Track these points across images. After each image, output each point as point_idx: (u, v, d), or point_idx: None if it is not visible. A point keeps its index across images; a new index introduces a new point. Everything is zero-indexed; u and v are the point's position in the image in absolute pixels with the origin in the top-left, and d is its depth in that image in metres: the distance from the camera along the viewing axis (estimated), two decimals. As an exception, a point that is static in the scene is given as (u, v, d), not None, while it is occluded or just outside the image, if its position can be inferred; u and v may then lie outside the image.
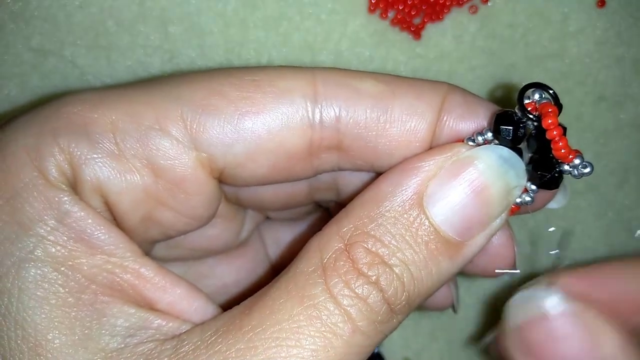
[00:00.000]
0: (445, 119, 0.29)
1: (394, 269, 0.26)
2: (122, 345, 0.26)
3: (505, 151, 0.27)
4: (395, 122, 0.29)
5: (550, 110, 0.26)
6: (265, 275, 0.39)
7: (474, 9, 0.39)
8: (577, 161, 0.27)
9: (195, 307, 0.29)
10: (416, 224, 0.27)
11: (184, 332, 0.27)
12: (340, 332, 0.25)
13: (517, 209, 0.29)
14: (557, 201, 0.32)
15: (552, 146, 0.27)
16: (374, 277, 0.26)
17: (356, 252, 0.26)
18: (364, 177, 0.33)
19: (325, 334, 0.25)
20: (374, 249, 0.26)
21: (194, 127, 0.28)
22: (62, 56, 0.38)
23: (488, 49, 0.39)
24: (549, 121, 0.26)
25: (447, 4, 0.38)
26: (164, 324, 0.27)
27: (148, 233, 0.30)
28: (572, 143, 0.43)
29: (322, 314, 0.25)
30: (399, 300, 0.26)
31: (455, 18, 0.39)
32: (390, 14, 0.38)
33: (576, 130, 0.42)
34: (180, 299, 0.28)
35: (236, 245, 0.38)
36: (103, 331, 0.26)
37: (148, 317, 0.27)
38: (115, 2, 0.37)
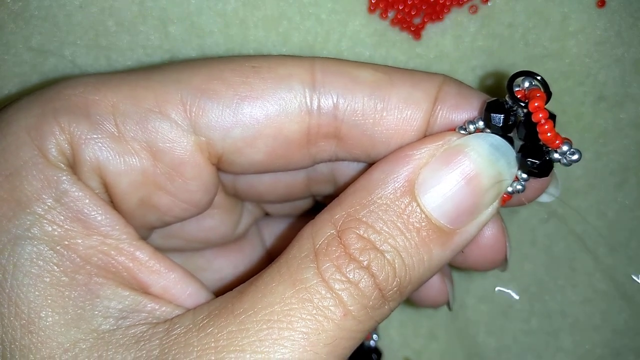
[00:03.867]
0: (439, 108, 0.29)
1: (385, 254, 0.26)
2: (114, 327, 0.26)
3: (497, 139, 0.27)
4: (392, 110, 0.29)
5: (538, 95, 0.26)
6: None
7: (474, 9, 0.39)
8: (565, 147, 0.27)
9: (189, 293, 0.29)
10: (408, 211, 0.27)
11: (177, 316, 0.27)
12: (331, 316, 0.25)
13: (509, 198, 0.29)
14: (549, 194, 0.32)
15: (538, 130, 0.26)
16: (366, 262, 0.26)
17: (348, 238, 0.27)
18: (361, 168, 0.33)
19: (316, 316, 0.25)
20: (365, 235, 0.27)
21: (193, 110, 0.28)
22: (62, 56, 0.38)
23: (488, 49, 0.39)
24: (535, 104, 0.26)
25: (447, 4, 0.38)
26: (157, 307, 0.27)
27: (145, 218, 0.31)
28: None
29: (314, 297, 0.26)
30: (390, 286, 0.27)
31: (455, 18, 0.39)
32: (390, 14, 0.38)
33: (576, 130, 0.42)
34: (174, 283, 0.29)
35: (233, 239, 0.38)
36: (96, 312, 0.26)
37: (141, 300, 0.27)
38: (115, 2, 0.37)
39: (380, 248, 0.26)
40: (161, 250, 0.35)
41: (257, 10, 0.37)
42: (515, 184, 0.28)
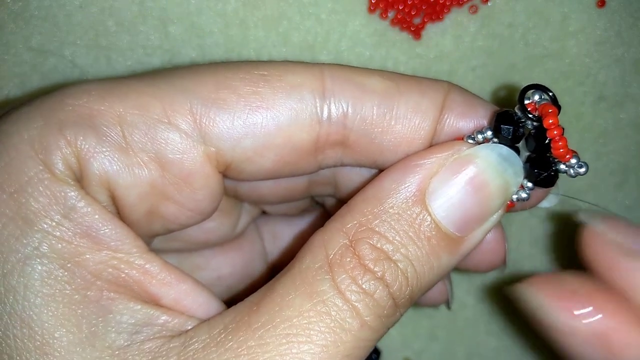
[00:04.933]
0: (446, 116, 0.29)
1: (399, 264, 0.27)
2: (129, 343, 0.26)
3: (505, 149, 0.28)
4: (400, 119, 0.29)
5: (550, 110, 0.27)
6: (260, 269, 0.40)
7: (474, 9, 0.39)
8: (573, 160, 0.28)
9: (200, 303, 0.29)
10: (419, 220, 0.27)
11: (191, 328, 0.27)
12: (349, 327, 0.26)
13: (513, 205, 0.29)
14: (549, 201, 0.33)
15: (552, 145, 0.27)
16: (380, 272, 0.26)
17: (362, 249, 0.27)
18: (363, 172, 0.33)
19: (334, 329, 0.26)
20: (379, 245, 0.27)
21: (204, 121, 0.28)
22: (62, 56, 0.38)
23: (488, 49, 0.39)
24: (550, 121, 0.27)
25: (447, 4, 0.38)
26: (170, 320, 0.27)
27: (151, 227, 0.30)
28: (571, 143, 0.43)
29: (332, 309, 0.26)
30: (403, 295, 0.27)
31: (455, 18, 0.39)
32: (390, 14, 0.38)
33: (576, 130, 0.42)
34: (186, 294, 0.28)
35: (232, 238, 0.38)
36: (109, 328, 0.26)
37: (154, 313, 0.27)
38: (115, 2, 0.37)
39: (394, 258, 0.27)
40: (159, 252, 0.35)
41: (257, 11, 0.37)
42: (520, 192, 0.29)
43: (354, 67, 0.30)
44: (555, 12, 0.39)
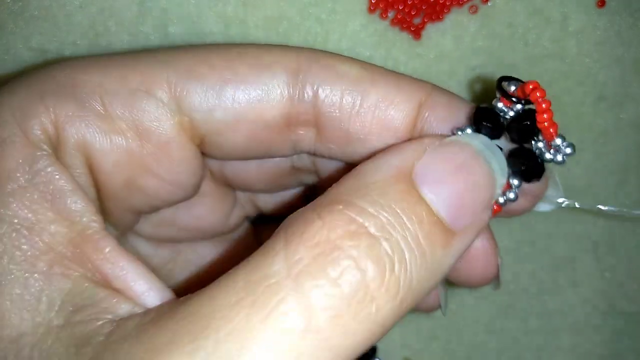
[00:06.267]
0: (427, 115, 0.29)
1: (382, 242, 0.22)
2: (65, 323, 0.25)
3: (486, 140, 0.27)
4: (369, 108, 0.29)
5: (532, 86, 0.26)
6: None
7: (474, 9, 0.39)
8: (558, 140, 0.26)
9: (150, 290, 0.27)
10: (408, 197, 0.24)
11: (123, 318, 0.25)
12: (293, 327, 0.21)
13: (500, 210, 0.28)
14: (549, 202, 0.31)
15: (537, 118, 0.26)
16: (356, 253, 0.22)
17: (332, 222, 0.22)
18: (341, 165, 0.33)
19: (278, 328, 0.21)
20: (359, 219, 0.23)
21: (178, 90, 0.29)
22: (62, 56, 0.38)
23: (488, 49, 0.39)
24: (537, 94, 0.26)
25: (447, 4, 0.38)
26: (114, 303, 0.25)
27: (131, 200, 0.30)
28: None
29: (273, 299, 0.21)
30: (396, 283, 0.22)
31: (455, 18, 0.39)
32: (390, 14, 0.38)
33: (576, 130, 0.42)
34: (136, 280, 0.27)
35: (225, 231, 0.38)
36: (51, 305, 0.25)
37: (99, 294, 0.25)
38: (115, 2, 0.37)
39: (376, 234, 0.22)
40: (152, 239, 0.35)
41: (258, 11, 0.37)
42: (507, 193, 0.27)
43: (335, 54, 0.31)
44: (555, 12, 0.39)
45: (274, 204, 0.39)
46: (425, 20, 0.38)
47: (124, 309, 0.25)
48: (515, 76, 0.29)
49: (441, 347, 0.47)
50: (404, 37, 0.39)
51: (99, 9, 0.37)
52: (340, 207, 0.23)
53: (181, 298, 0.24)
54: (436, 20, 0.38)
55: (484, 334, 0.47)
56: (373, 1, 0.38)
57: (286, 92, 0.29)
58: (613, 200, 0.44)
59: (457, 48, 0.39)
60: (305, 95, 0.30)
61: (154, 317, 0.23)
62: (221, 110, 0.29)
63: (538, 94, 0.26)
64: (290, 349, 0.20)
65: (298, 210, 0.25)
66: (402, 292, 0.23)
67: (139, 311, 0.25)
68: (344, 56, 0.31)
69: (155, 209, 0.32)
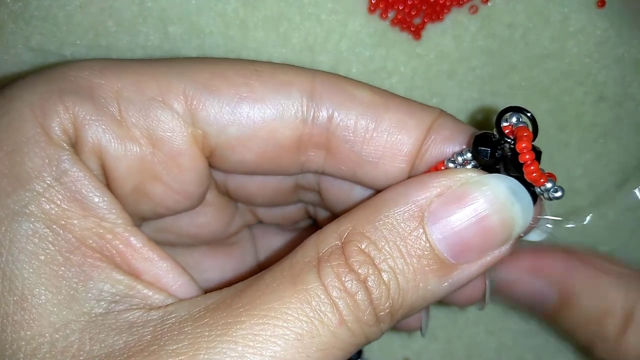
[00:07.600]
0: (432, 138, 0.30)
1: (382, 274, 0.26)
2: (107, 311, 0.26)
3: (515, 183, 0.27)
4: (382, 132, 0.30)
5: (525, 134, 0.27)
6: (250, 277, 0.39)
7: (474, 9, 0.39)
8: (548, 185, 0.27)
9: (180, 284, 0.29)
10: (413, 236, 0.27)
11: (171, 304, 0.27)
12: (327, 322, 0.25)
13: None
14: (541, 231, 0.32)
15: (524, 170, 0.27)
16: (363, 275, 0.26)
17: (350, 250, 0.27)
18: (346, 185, 0.33)
19: (313, 320, 0.25)
20: (366, 250, 0.26)
21: (194, 103, 0.29)
22: (62, 56, 0.38)
23: (488, 49, 0.39)
24: (523, 145, 0.26)
25: (447, 4, 0.38)
26: (150, 294, 0.27)
27: (138, 206, 0.31)
28: (571, 143, 0.43)
29: (313, 299, 0.25)
30: (383, 306, 0.26)
31: (455, 18, 0.39)
32: (390, 14, 0.38)
33: (576, 130, 0.42)
34: (166, 273, 0.29)
35: (224, 240, 0.38)
36: (89, 295, 0.26)
37: (135, 285, 0.27)
38: (115, 2, 0.37)
39: (379, 266, 0.26)
40: None
41: (257, 11, 0.37)
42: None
43: (347, 77, 0.31)
44: (555, 12, 0.39)
45: (274, 215, 0.39)
46: (425, 20, 0.38)
47: (158, 299, 0.27)
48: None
49: (441, 347, 0.47)
50: (404, 37, 0.39)
51: (99, 9, 0.37)
52: (356, 240, 0.27)
53: (224, 292, 0.27)
54: (436, 20, 0.39)
55: (484, 334, 0.47)
56: (373, 1, 0.38)
57: (300, 113, 0.30)
58: (613, 200, 0.44)
59: (457, 48, 0.39)
60: (320, 117, 0.30)
61: (208, 308, 0.26)
62: (235, 126, 0.29)
63: (524, 145, 0.26)
64: (322, 335, 0.25)
65: (327, 229, 0.28)
66: (395, 311, 0.27)
67: (172, 301, 0.27)
68: (356, 80, 0.31)
69: (159, 216, 0.32)
